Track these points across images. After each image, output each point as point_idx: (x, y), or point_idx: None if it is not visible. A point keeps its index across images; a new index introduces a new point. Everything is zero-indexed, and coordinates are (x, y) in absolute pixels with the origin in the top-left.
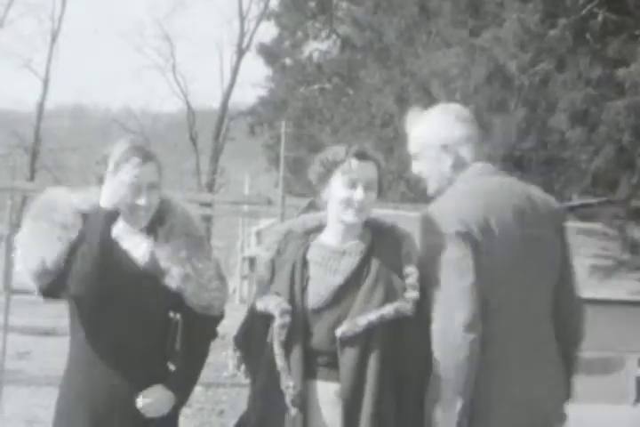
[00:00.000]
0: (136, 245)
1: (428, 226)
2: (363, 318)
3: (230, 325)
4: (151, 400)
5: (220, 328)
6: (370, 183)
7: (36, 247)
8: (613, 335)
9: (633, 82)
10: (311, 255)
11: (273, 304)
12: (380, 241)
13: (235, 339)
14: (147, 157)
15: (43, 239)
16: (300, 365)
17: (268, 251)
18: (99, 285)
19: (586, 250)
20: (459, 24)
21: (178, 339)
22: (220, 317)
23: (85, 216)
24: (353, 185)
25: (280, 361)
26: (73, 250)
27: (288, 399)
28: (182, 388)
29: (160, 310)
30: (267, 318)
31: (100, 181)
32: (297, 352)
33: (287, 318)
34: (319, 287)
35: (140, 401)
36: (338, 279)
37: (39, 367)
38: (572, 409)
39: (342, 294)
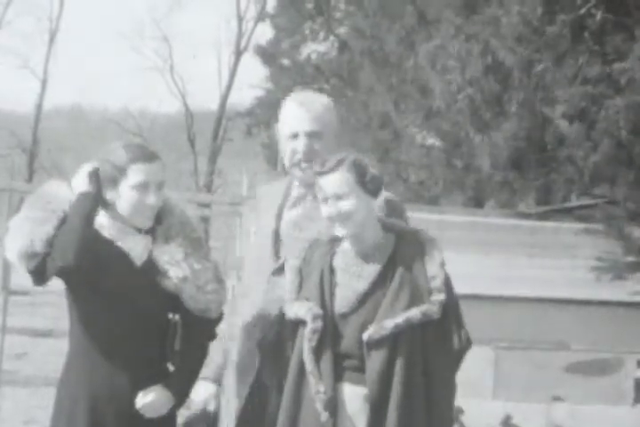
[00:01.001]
0: (133, 246)
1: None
2: (390, 321)
3: None
4: (150, 401)
5: (219, 330)
6: (339, 195)
7: (27, 231)
8: (612, 336)
9: (630, 78)
10: (337, 262)
11: (304, 310)
12: (403, 245)
13: (259, 345)
14: (153, 156)
15: (34, 224)
16: (331, 370)
17: (296, 258)
18: (83, 259)
19: (584, 251)
20: (457, 13)
21: (177, 340)
22: (219, 319)
23: None
24: (326, 201)
25: (310, 366)
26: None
27: (319, 405)
28: (181, 389)
29: (158, 311)
30: (294, 325)
31: (110, 182)
32: (327, 357)
33: (319, 323)
34: (345, 293)
35: (139, 402)
36: (363, 284)
37: (37, 368)
38: (570, 410)
39: (368, 299)
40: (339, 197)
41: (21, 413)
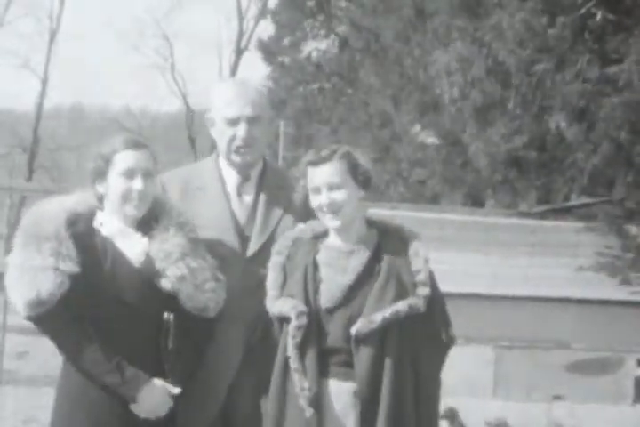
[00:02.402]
0: (131, 246)
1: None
2: (378, 314)
3: None
4: (149, 399)
5: None
6: (332, 185)
7: (30, 279)
8: (612, 335)
9: (627, 79)
10: (320, 257)
11: (288, 306)
12: (386, 241)
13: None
14: (139, 144)
15: (36, 271)
16: (315, 366)
17: (279, 255)
18: None
19: (585, 250)
20: (457, 17)
21: (170, 339)
22: (216, 318)
23: (77, 221)
24: (317, 191)
25: (294, 363)
26: (77, 283)
27: (303, 401)
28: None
29: (155, 311)
30: (279, 321)
31: (99, 175)
32: (311, 353)
33: (304, 320)
34: (330, 287)
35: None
36: (348, 279)
37: (38, 367)
38: (570, 409)
39: (353, 293)
40: (331, 187)
41: (22, 412)
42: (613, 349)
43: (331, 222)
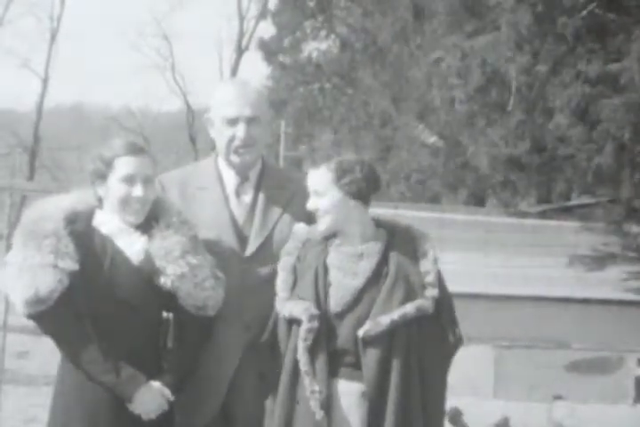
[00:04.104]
0: (130, 244)
1: None
2: (386, 317)
3: None
4: (144, 400)
5: None
6: (317, 191)
7: (29, 277)
8: (613, 335)
9: (629, 78)
10: (330, 260)
11: (300, 309)
12: (395, 241)
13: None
14: (140, 150)
15: (35, 269)
16: (325, 369)
17: (290, 256)
18: None
19: (585, 249)
20: (454, 25)
21: (169, 337)
22: (215, 317)
23: (75, 219)
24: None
25: (305, 366)
26: (76, 281)
27: (314, 404)
28: (176, 387)
29: (154, 310)
30: (289, 323)
31: (99, 178)
32: (322, 356)
33: (315, 323)
34: (340, 290)
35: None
36: (358, 282)
37: (38, 367)
38: (571, 408)
39: (363, 296)
40: (317, 194)
41: (23, 411)
42: (613, 348)
43: (318, 226)
